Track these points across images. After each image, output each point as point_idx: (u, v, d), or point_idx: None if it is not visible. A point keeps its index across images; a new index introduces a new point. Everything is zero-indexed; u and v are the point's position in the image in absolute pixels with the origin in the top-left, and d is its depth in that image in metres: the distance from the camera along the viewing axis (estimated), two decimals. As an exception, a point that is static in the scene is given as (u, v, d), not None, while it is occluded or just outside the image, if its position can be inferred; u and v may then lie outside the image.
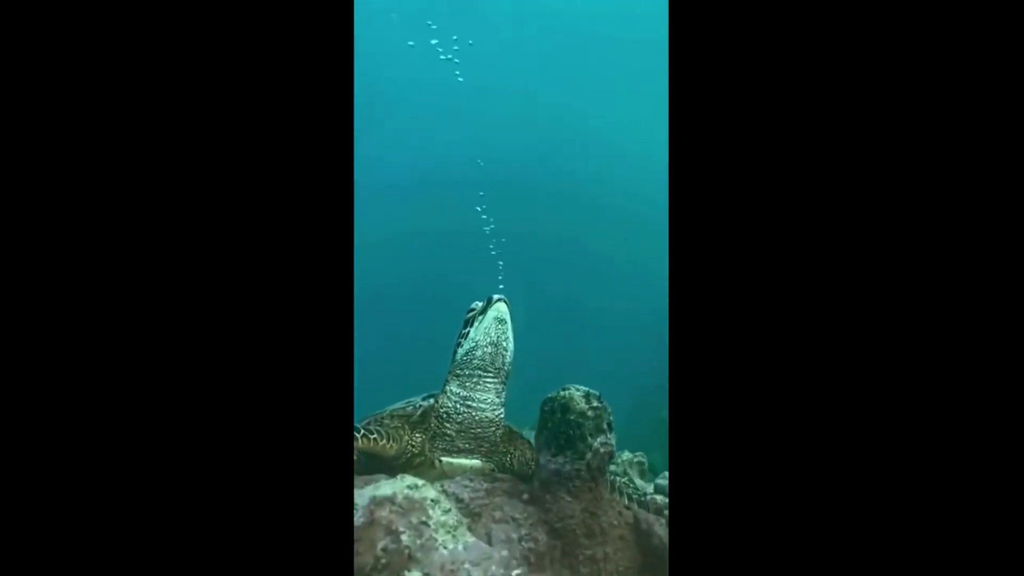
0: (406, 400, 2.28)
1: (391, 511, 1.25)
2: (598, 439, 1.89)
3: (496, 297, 2.13)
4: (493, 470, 2.16)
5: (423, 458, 2.07)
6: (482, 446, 2.11)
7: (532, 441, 2.32)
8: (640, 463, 4.12)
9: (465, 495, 1.83)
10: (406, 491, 1.36)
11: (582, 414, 1.87)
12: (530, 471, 2.11)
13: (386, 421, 2.09)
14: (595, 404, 1.91)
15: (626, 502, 2.14)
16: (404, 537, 1.20)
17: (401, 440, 2.01)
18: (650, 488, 3.53)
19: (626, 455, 3.79)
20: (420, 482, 1.45)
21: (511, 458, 2.19)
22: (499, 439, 2.15)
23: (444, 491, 1.83)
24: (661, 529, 1.96)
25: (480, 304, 2.17)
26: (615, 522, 1.93)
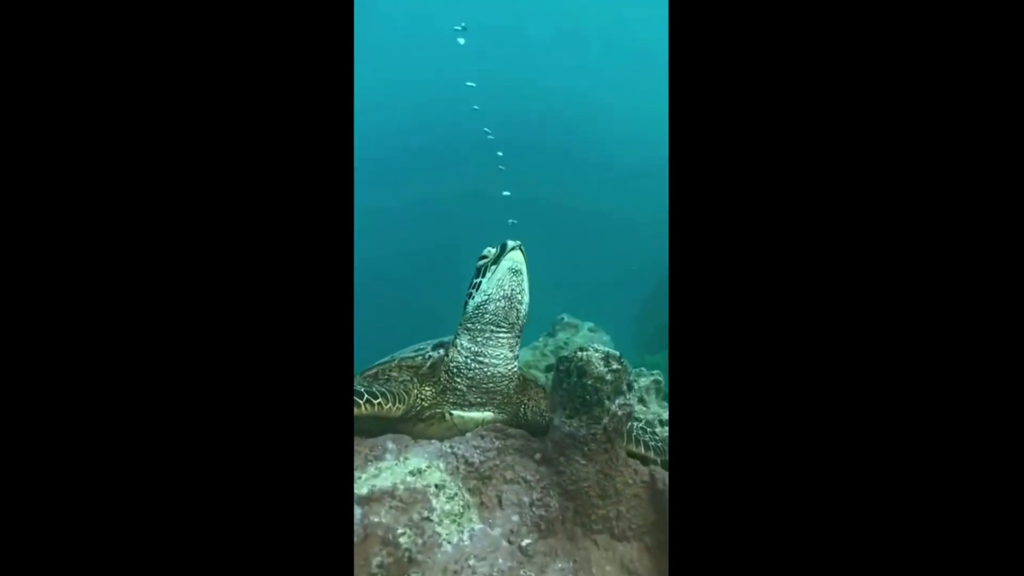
0: (414, 348, 2.17)
1: (390, 509, 1.18)
2: (616, 401, 1.78)
3: (511, 244, 1.93)
4: (507, 421, 2.09)
5: (434, 412, 2.00)
6: (494, 399, 2.02)
7: (546, 388, 2.23)
8: (656, 382, 4.09)
9: (476, 457, 1.76)
10: (408, 480, 1.28)
11: (600, 379, 1.74)
12: (544, 422, 2.04)
13: (393, 374, 2.00)
14: (615, 366, 1.77)
15: (644, 451, 2.08)
16: (403, 539, 1.13)
17: (410, 395, 1.93)
18: (666, 413, 3.51)
19: (643, 380, 3.74)
20: (424, 464, 1.36)
21: (525, 408, 2.11)
22: (512, 391, 2.06)
23: (453, 452, 1.77)
24: (677, 487, 1.90)
25: (493, 251, 1.97)
26: (630, 480, 1.88)
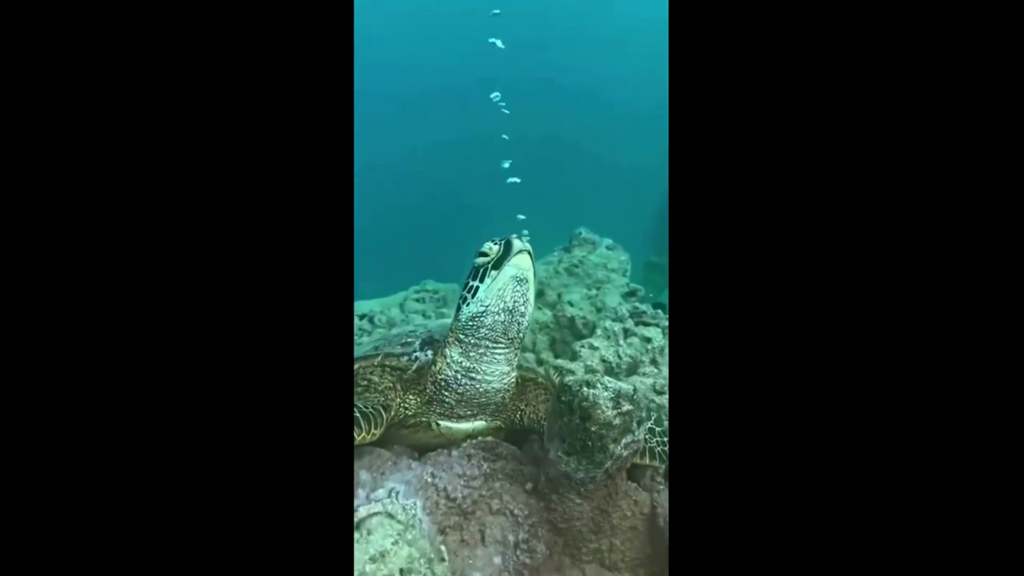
0: (403, 337, 1.92)
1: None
2: (623, 441, 1.56)
3: (516, 246, 1.59)
4: (500, 428, 1.90)
5: (419, 420, 1.80)
6: (487, 408, 1.81)
7: (546, 386, 2.01)
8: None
9: (458, 491, 1.59)
10: (367, 570, 1.11)
11: (607, 424, 1.50)
12: (542, 431, 1.85)
13: (374, 378, 1.77)
14: (625, 408, 1.52)
15: (650, 461, 1.91)
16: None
17: (390, 409, 1.71)
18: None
19: (657, 340, 3.50)
20: (388, 546, 1.18)
21: (521, 415, 1.91)
22: (508, 400, 1.84)
23: (434, 484, 1.60)
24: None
25: (495, 247, 1.63)
26: (628, 513, 1.72)
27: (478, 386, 1.71)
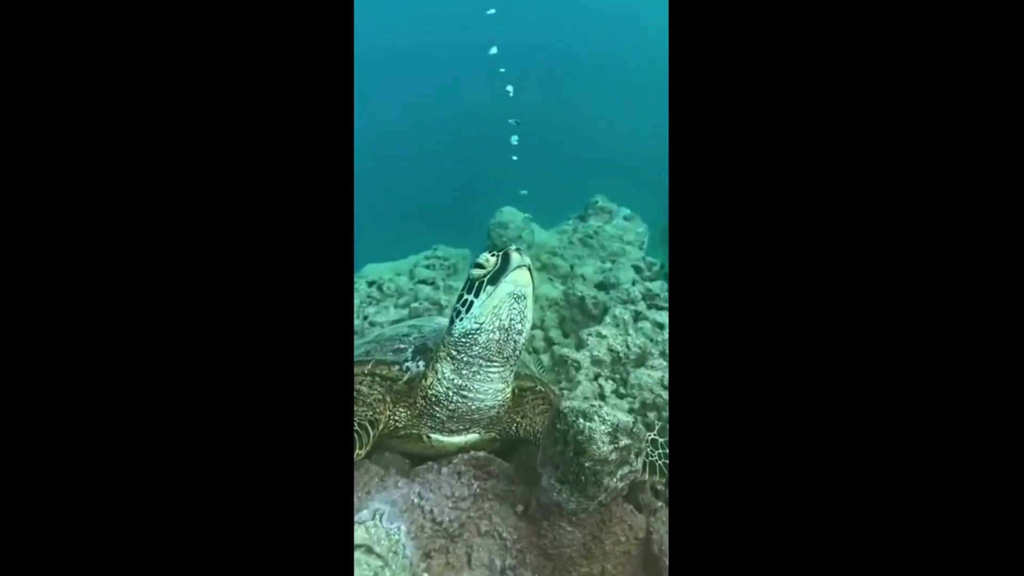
0: (396, 341, 1.82)
1: None
2: (620, 473, 1.48)
3: (515, 261, 1.47)
4: (495, 439, 1.83)
5: (409, 432, 1.73)
6: (480, 422, 1.74)
7: (545, 393, 1.92)
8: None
9: (445, 514, 1.54)
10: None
11: (602, 461, 1.41)
12: (536, 443, 1.78)
13: (363, 388, 1.69)
14: (623, 443, 1.43)
15: (650, 476, 1.84)
16: None
17: (378, 424, 1.64)
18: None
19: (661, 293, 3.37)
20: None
21: (517, 427, 1.83)
22: (503, 413, 1.76)
23: (420, 506, 1.54)
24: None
25: (492, 259, 1.51)
26: (622, 539, 1.66)
27: (470, 404, 1.63)
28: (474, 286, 1.52)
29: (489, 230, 4.85)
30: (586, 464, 1.41)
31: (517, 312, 1.49)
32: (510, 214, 4.92)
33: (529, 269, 1.48)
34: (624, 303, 3.67)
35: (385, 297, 4.38)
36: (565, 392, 2.63)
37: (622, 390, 2.85)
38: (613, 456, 1.42)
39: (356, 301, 4.32)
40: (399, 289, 4.45)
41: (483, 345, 1.52)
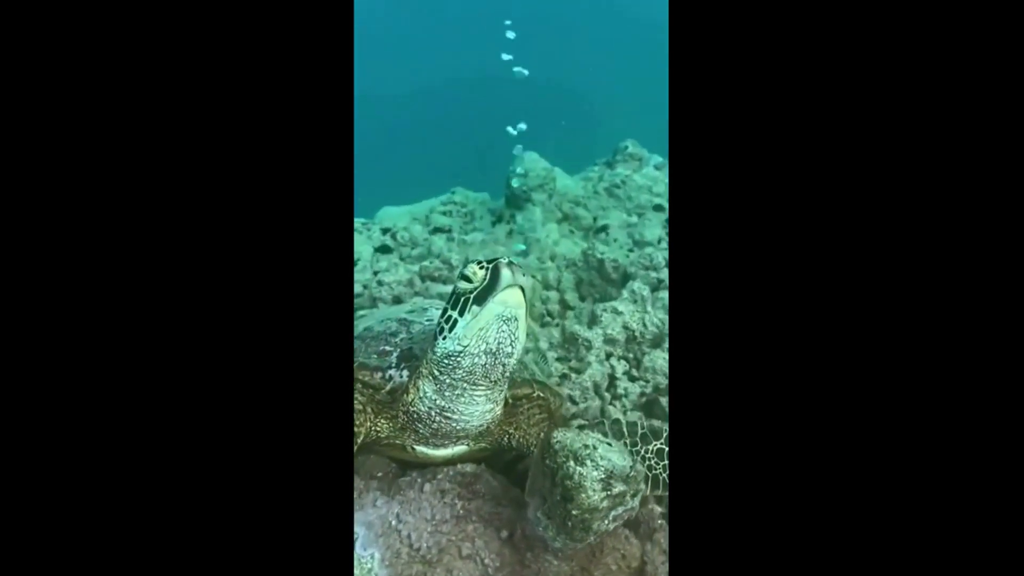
0: (389, 328, 1.68)
1: None
2: (612, 514, 1.35)
3: (505, 279, 1.27)
4: (485, 449, 1.70)
5: (392, 443, 1.62)
6: (468, 437, 1.61)
7: (544, 397, 1.78)
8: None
9: (423, 540, 1.45)
10: None
11: (591, 510, 1.27)
12: (529, 455, 1.66)
13: (342, 398, 1.56)
14: (616, 490, 1.29)
15: (660, 492, 1.73)
16: None
17: (360, 432, 1.52)
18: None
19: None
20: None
21: (509, 439, 1.70)
22: (494, 427, 1.62)
23: (397, 530, 1.45)
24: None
25: (480, 273, 1.31)
26: (614, 567, 1.55)
27: (454, 424, 1.50)
28: (459, 302, 1.33)
29: (508, 177, 4.56)
30: (574, 513, 1.27)
31: (506, 335, 1.31)
32: (531, 160, 4.60)
33: (522, 289, 1.28)
34: (646, 269, 3.45)
35: (399, 247, 4.22)
36: (565, 391, 2.48)
37: (635, 372, 2.69)
38: (605, 504, 1.28)
39: (369, 250, 4.18)
40: (413, 239, 4.28)
41: (467, 369, 1.36)
